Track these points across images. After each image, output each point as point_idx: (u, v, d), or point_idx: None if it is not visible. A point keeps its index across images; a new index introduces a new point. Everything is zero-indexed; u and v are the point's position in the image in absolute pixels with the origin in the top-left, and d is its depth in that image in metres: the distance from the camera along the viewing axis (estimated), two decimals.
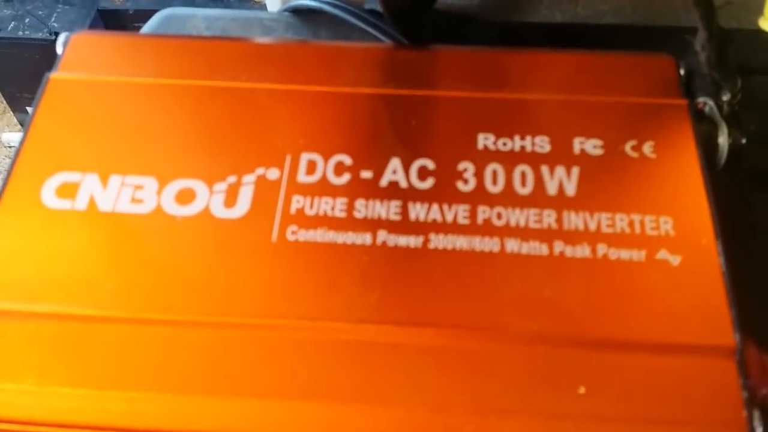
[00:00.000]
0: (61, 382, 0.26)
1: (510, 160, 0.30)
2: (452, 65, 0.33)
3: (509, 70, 0.33)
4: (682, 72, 0.33)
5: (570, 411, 0.25)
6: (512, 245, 0.28)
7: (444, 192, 0.29)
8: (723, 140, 0.32)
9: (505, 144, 0.31)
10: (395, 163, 0.30)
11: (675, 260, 0.27)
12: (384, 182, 0.30)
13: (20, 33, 0.93)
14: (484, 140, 0.31)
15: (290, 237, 0.28)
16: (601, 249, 0.28)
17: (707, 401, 0.25)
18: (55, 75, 0.33)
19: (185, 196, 0.29)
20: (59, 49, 0.34)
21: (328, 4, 0.40)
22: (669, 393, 0.25)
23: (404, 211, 0.29)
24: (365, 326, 0.26)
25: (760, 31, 0.41)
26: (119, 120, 0.31)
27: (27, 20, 0.95)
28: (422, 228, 0.29)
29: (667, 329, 0.26)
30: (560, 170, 0.30)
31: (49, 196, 0.30)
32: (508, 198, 0.29)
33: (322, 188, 0.30)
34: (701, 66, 0.33)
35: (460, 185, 0.30)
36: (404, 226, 0.29)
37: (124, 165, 0.30)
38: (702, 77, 0.34)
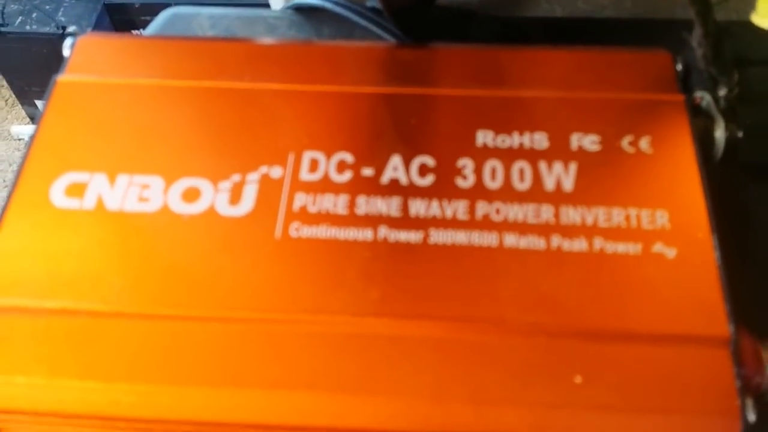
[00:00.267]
0: (71, 375, 0.26)
1: (508, 156, 0.31)
2: (451, 63, 0.34)
3: (507, 68, 0.33)
4: (679, 67, 0.33)
5: (567, 400, 0.25)
6: (510, 240, 0.29)
7: (444, 188, 0.30)
8: (720, 134, 0.33)
9: (503, 141, 0.31)
10: (396, 160, 0.31)
11: (671, 253, 0.28)
12: (385, 179, 0.30)
13: (27, 27, 0.94)
14: (483, 137, 0.31)
15: (293, 234, 0.29)
16: (598, 243, 0.28)
17: (702, 390, 0.26)
18: (62, 77, 0.34)
19: (191, 195, 0.30)
20: (66, 52, 0.35)
21: (331, 1, 0.40)
22: (664, 382, 0.26)
23: (405, 207, 0.30)
24: (367, 319, 0.27)
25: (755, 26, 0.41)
26: (126, 121, 0.32)
27: (34, 15, 0.96)
28: (422, 223, 0.29)
29: (663, 320, 0.27)
30: (558, 166, 0.30)
31: (57, 195, 0.30)
32: (507, 193, 0.30)
33: (325, 186, 0.30)
34: (698, 61, 0.33)
35: (459, 181, 0.30)
36: (405, 221, 0.29)
37: (131, 165, 0.31)
38: (699, 72, 0.34)
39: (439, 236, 0.29)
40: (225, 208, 0.30)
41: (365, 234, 0.29)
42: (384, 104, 0.32)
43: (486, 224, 0.29)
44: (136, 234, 0.29)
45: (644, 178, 0.30)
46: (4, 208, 0.30)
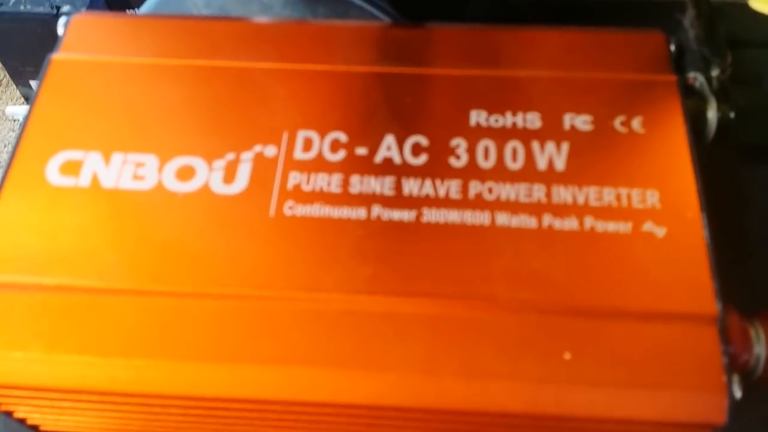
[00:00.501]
0: (68, 350, 0.27)
1: (502, 136, 0.31)
2: (445, 43, 0.34)
3: (501, 48, 0.33)
4: (672, 48, 0.33)
5: (556, 375, 0.26)
6: (502, 219, 0.29)
7: (437, 167, 0.30)
8: (712, 115, 0.33)
9: (497, 120, 0.31)
10: (389, 139, 0.31)
11: (660, 232, 0.28)
12: (378, 158, 0.31)
13: (22, 7, 0.94)
14: (477, 117, 0.31)
15: (287, 212, 0.29)
16: (589, 222, 0.29)
17: (689, 366, 0.26)
18: (57, 56, 0.34)
19: (185, 173, 0.30)
20: (60, 30, 0.35)
21: None
22: (652, 358, 0.26)
23: (398, 187, 0.30)
24: (360, 297, 0.27)
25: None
26: (121, 99, 0.32)
27: None
28: (415, 202, 0.29)
29: (652, 298, 0.27)
30: (550, 146, 0.31)
31: (53, 173, 0.30)
32: (499, 173, 0.30)
33: (319, 165, 0.30)
34: (691, 42, 0.33)
35: (452, 161, 0.30)
36: (398, 200, 0.29)
37: (125, 143, 0.31)
38: (693, 53, 0.34)
39: (431, 215, 0.29)
40: (219, 187, 0.30)
41: (359, 213, 0.29)
42: (378, 84, 0.32)
43: (478, 203, 0.29)
44: (131, 211, 0.30)
45: (636, 158, 0.30)
46: (0, 186, 0.30)
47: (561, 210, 0.29)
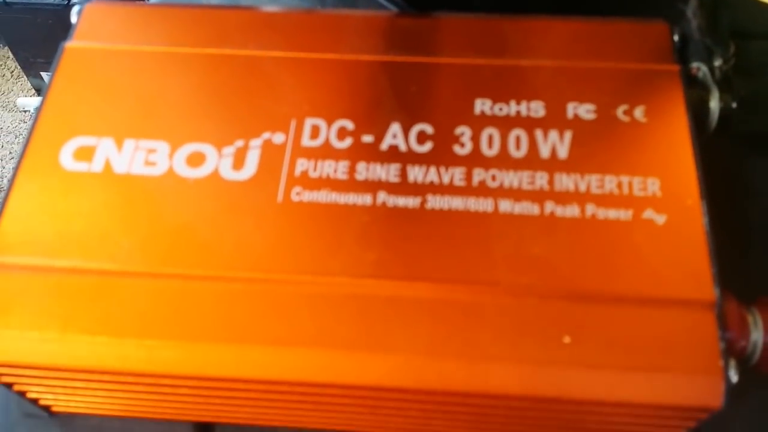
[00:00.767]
0: (82, 330, 0.28)
1: (505, 124, 0.31)
2: (451, 33, 0.34)
3: (506, 37, 0.34)
4: (676, 38, 0.33)
5: (556, 359, 0.26)
6: (505, 205, 0.29)
7: (441, 155, 0.31)
8: (714, 104, 0.33)
9: (501, 109, 0.32)
10: (395, 127, 0.32)
11: (660, 219, 0.29)
12: (384, 146, 0.31)
13: None
14: (481, 105, 0.32)
15: (295, 198, 0.30)
16: (590, 209, 0.29)
17: (687, 351, 0.27)
18: (70, 44, 0.34)
19: (196, 159, 0.31)
20: (73, 19, 0.35)
21: None
22: (650, 343, 0.27)
23: (403, 174, 0.30)
24: (365, 281, 0.28)
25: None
26: (132, 87, 0.33)
27: None
28: (420, 189, 0.30)
29: (651, 283, 0.28)
30: (553, 134, 0.31)
31: (67, 159, 0.31)
32: (503, 161, 0.31)
33: (326, 152, 0.31)
34: (694, 32, 0.34)
35: (457, 149, 0.31)
36: (403, 187, 0.30)
37: (137, 130, 0.32)
38: (696, 43, 0.34)
39: (436, 202, 0.30)
40: (229, 173, 0.31)
41: (364, 199, 0.30)
42: (384, 72, 0.33)
43: (482, 190, 0.30)
44: (143, 196, 0.30)
45: (637, 147, 0.31)
46: (15, 170, 0.31)
47: (563, 197, 0.29)
